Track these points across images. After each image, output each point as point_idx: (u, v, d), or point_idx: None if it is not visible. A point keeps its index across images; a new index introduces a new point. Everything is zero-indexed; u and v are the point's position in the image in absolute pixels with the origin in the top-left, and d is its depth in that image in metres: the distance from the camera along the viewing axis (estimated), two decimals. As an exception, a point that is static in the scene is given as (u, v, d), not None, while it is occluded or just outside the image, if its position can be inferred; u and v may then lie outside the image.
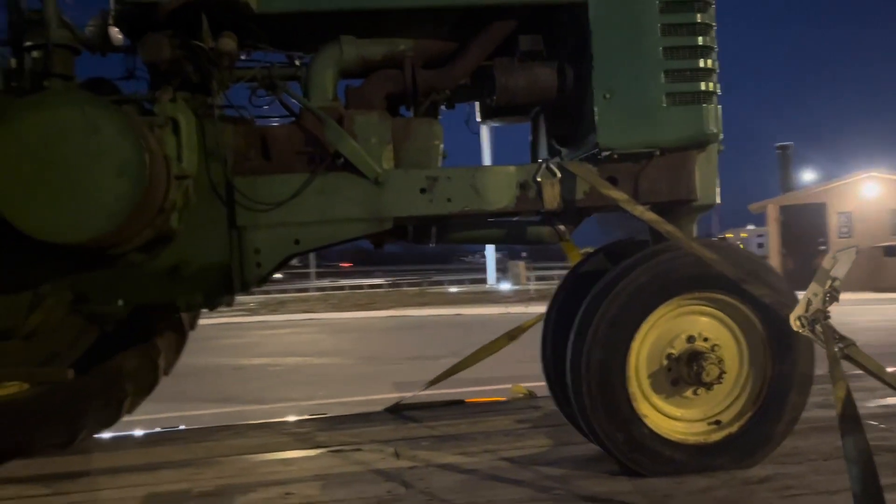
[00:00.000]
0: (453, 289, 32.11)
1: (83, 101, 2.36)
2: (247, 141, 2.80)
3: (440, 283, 38.44)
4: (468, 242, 3.20)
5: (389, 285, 36.96)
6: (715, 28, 2.95)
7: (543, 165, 2.90)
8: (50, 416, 3.69)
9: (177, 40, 2.65)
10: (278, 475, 3.25)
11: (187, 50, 2.67)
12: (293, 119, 2.91)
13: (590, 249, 3.52)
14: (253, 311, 23.43)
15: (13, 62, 2.89)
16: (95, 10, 3.07)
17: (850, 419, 2.01)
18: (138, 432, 4.39)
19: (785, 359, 2.86)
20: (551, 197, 2.88)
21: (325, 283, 40.04)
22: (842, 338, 2.25)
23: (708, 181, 3.05)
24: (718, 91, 2.94)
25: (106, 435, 4.14)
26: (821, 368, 2.79)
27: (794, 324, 2.31)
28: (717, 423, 2.99)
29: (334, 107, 2.85)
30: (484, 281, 35.33)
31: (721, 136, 2.98)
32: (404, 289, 34.57)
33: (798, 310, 2.30)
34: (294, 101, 2.91)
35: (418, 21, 2.93)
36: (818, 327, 2.24)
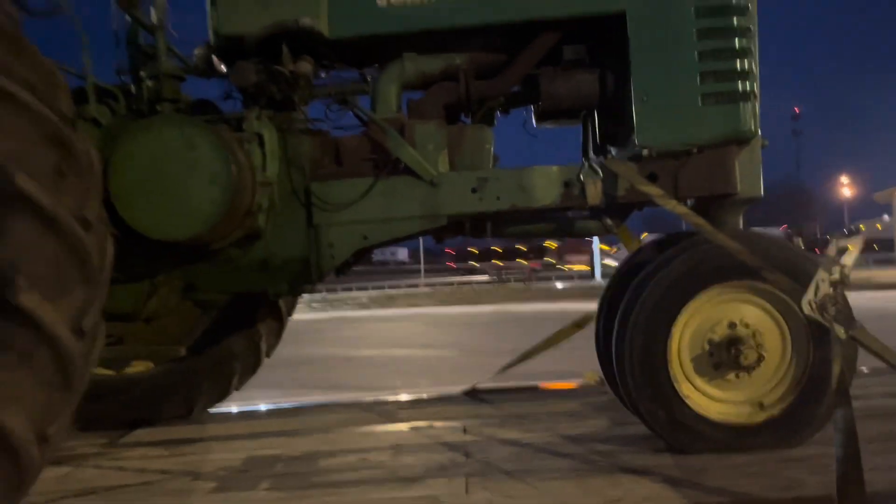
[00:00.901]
0: (560, 284, 32.06)
1: (182, 123, 2.87)
2: (322, 150, 3.22)
3: (548, 278, 38.42)
4: (520, 236, 3.49)
5: (496, 281, 37.36)
6: (754, 31, 3.08)
7: (586, 164, 3.14)
8: (170, 392, 4.28)
9: (262, 66, 3.10)
10: (357, 444, 3.66)
11: (271, 74, 3.11)
12: (362, 129, 3.31)
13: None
14: (364, 306, 24.38)
15: (133, 88, 3.45)
16: (200, 39, 3.60)
17: (842, 393, 2.16)
18: (243, 407, 4.97)
19: (826, 344, 2.96)
20: (594, 193, 3.12)
21: (434, 279, 40.95)
22: (850, 321, 2.38)
23: (751, 175, 3.18)
24: (756, 91, 3.07)
25: (219, 408, 4.73)
26: (870, 359, 2.88)
27: (805, 307, 2.46)
28: (760, 405, 3.12)
29: (397, 118, 3.22)
30: (591, 276, 35.03)
31: (759, 133, 3.11)
32: (510, 284, 34.86)
33: (808, 294, 2.44)
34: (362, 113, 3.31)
35: (472, 37, 3.25)
36: (828, 311, 2.38)
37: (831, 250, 2.41)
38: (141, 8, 3.38)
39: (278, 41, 3.09)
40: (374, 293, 31.07)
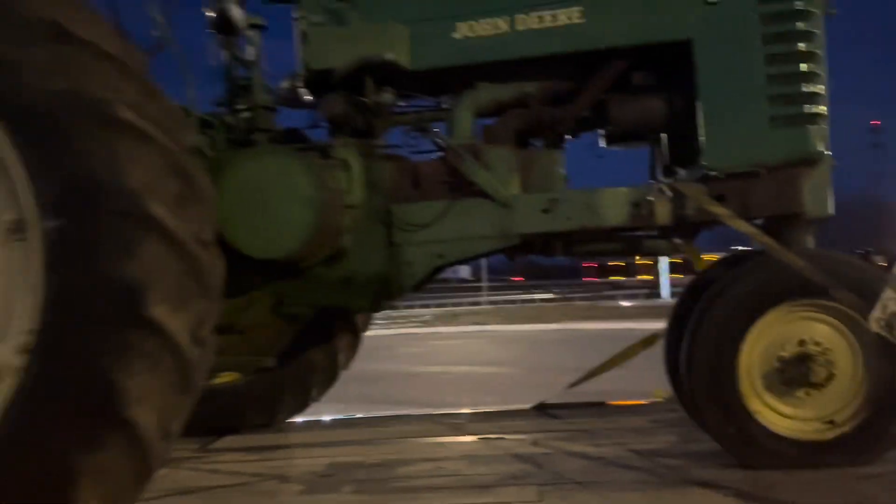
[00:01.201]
0: (626, 303, 31.66)
1: (280, 153, 3.15)
2: (401, 175, 3.44)
3: (613, 297, 37.97)
4: (590, 255, 3.62)
5: (560, 299, 37.13)
6: (821, 55, 3.16)
7: (655, 185, 3.27)
8: (254, 401, 4.57)
9: (348, 98, 3.36)
10: (432, 454, 3.84)
11: (355, 105, 3.36)
12: (439, 154, 3.52)
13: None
14: (428, 323, 24.59)
15: (229, 119, 3.76)
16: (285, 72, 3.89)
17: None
18: (323, 417, 5.22)
19: (896, 361, 2.99)
20: (662, 214, 3.23)
21: (497, 296, 40.96)
22: (919, 338, 2.42)
23: (819, 194, 3.24)
24: (824, 112, 3.14)
25: (297, 418, 4.99)
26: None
27: (872, 325, 2.51)
28: (831, 422, 3.15)
29: (471, 143, 3.42)
30: (659, 296, 34.47)
31: (828, 153, 3.18)
32: (575, 303, 34.59)
33: (875, 312, 2.50)
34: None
35: (542, 66, 3.43)
36: (895, 328, 2.43)
37: (897, 270, 2.47)
38: (238, 44, 3.69)
39: (362, 74, 3.33)
40: (436, 310, 31.31)
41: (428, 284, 3.82)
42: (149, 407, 2.10)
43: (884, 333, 2.51)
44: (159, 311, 2.07)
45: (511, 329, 21.44)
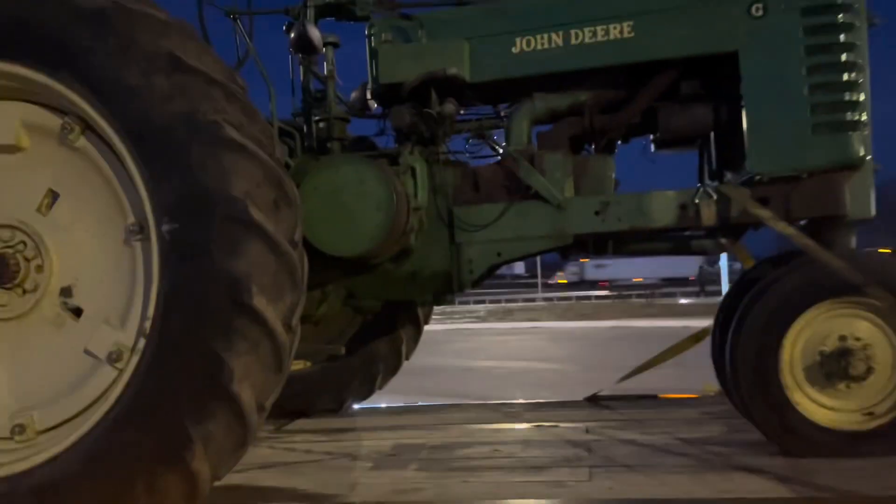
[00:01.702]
0: (684, 300, 31.31)
1: (355, 161, 3.48)
2: (462, 179, 3.73)
3: (672, 294, 37.55)
4: (640, 254, 3.85)
5: (616, 296, 36.91)
6: (863, 63, 3.31)
7: (701, 188, 3.47)
8: (324, 387, 4.92)
9: (414, 109, 3.66)
10: (489, 438, 4.11)
11: (421, 115, 3.66)
12: (497, 160, 3.79)
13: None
14: (482, 319, 24.82)
15: (305, 129, 4.11)
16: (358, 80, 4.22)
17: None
18: (387, 404, 5.55)
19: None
20: (708, 215, 3.44)
21: (552, 293, 40.94)
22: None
23: (861, 197, 3.39)
24: (865, 119, 3.30)
25: (363, 405, 5.33)
26: None
27: (906, 325, 2.68)
28: (871, 413, 3.30)
29: (528, 149, 3.68)
30: (719, 293, 33.93)
31: (870, 157, 3.33)
32: (631, 300, 34.35)
33: (908, 311, 2.66)
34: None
35: (595, 76, 3.66)
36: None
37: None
38: (315, 61, 4.04)
39: (427, 87, 3.62)
40: (491, 306, 31.51)
41: (486, 279, 4.10)
42: (248, 384, 2.45)
43: (916, 331, 2.66)
44: (259, 302, 2.41)
45: (565, 326, 21.51)
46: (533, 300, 38.49)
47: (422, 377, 10.46)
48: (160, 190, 2.47)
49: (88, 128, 2.66)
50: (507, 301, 37.29)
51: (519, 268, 58.94)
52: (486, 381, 10.74)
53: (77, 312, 2.73)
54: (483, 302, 37.33)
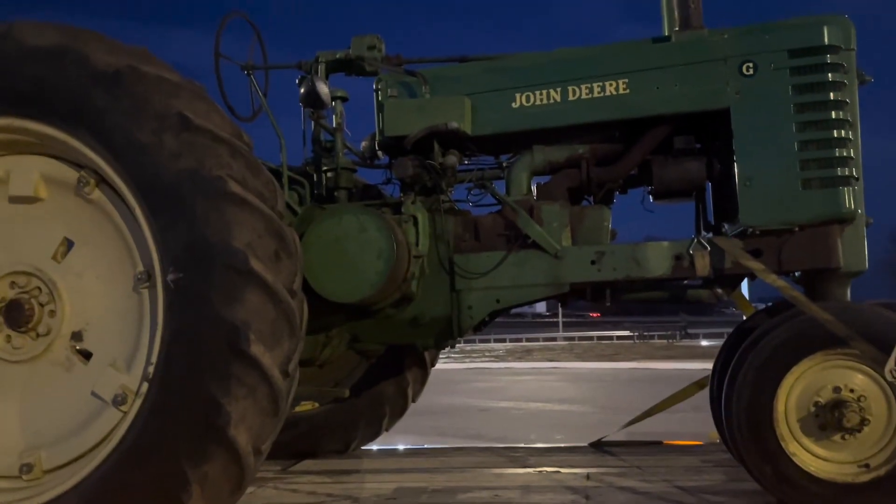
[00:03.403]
0: (705, 342, 30.94)
1: (357, 210, 3.61)
2: (463, 227, 3.84)
3: (694, 335, 37.12)
4: (637, 302, 3.91)
5: (637, 337, 36.57)
6: (854, 121, 3.39)
7: (695, 240, 3.55)
8: (331, 429, 4.99)
9: (417, 160, 3.80)
10: (490, 483, 4.15)
11: (424, 166, 3.80)
12: (497, 209, 3.90)
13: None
14: (500, 358, 24.73)
15: (315, 178, 4.27)
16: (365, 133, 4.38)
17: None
18: (394, 446, 5.61)
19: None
20: (702, 266, 3.50)
21: (573, 332, 40.67)
22: (930, 389, 2.61)
23: (855, 250, 3.45)
24: (857, 174, 3.37)
25: (370, 446, 5.40)
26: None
27: (888, 375, 2.72)
28: (867, 465, 3.30)
29: (527, 199, 3.79)
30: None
31: (861, 211, 3.40)
32: (653, 341, 34.01)
33: (889, 364, 2.70)
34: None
35: (593, 130, 3.78)
36: (909, 379, 2.63)
37: (908, 324, 2.67)
38: (325, 113, 4.22)
39: (430, 140, 3.77)
40: (511, 345, 31.37)
41: (487, 325, 4.19)
42: (245, 428, 2.55)
43: (897, 384, 2.70)
44: (257, 349, 2.53)
45: (585, 367, 21.36)
46: (554, 339, 38.28)
47: (438, 417, 10.50)
48: (167, 240, 2.62)
49: (103, 181, 2.83)
50: (528, 340, 37.13)
51: (540, 306, 58.70)
52: (502, 423, 10.72)
53: (86, 356, 2.87)
54: (503, 341, 37.20)
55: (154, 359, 2.62)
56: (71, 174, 2.89)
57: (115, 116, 2.68)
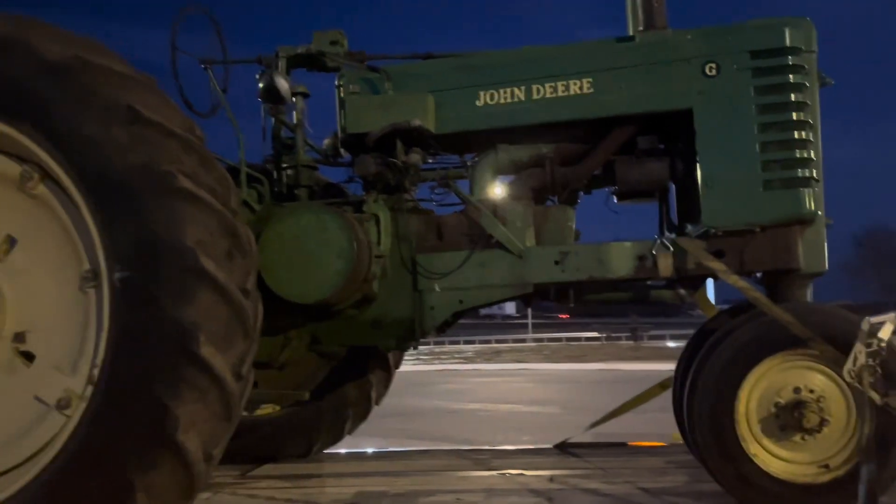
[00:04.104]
0: (672, 343, 31.26)
1: (317, 209, 3.53)
2: (426, 227, 3.78)
3: (661, 337, 37.50)
4: (601, 302, 3.89)
5: (605, 338, 36.86)
6: (815, 123, 3.41)
7: (658, 240, 3.54)
8: (292, 433, 4.89)
9: (379, 158, 3.73)
10: (453, 486, 4.09)
11: (387, 164, 3.73)
12: (461, 209, 3.85)
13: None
14: (469, 360, 24.71)
15: (275, 175, 4.17)
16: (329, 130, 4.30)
17: (868, 451, 2.43)
18: (357, 449, 5.53)
19: (888, 410, 3.15)
20: (665, 267, 3.49)
21: (542, 333, 40.86)
22: (888, 389, 2.62)
23: (815, 251, 3.47)
24: (816, 176, 3.39)
25: (333, 450, 5.30)
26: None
27: (846, 376, 2.73)
28: (826, 466, 3.31)
29: (491, 199, 3.75)
30: (707, 336, 33.84)
31: (821, 213, 3.42)
32: (620, 342, 34.30)
33: (847, 364, 2.71)
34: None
35: (557, 130, 3.75)
36: (864, 379, 2.64)
37: (865, 325, 2.69)
38: (285, 109, 4.13)
39: (393, 137, 3.70)
40: (480, 347, 31.38)
41: (451, 326, 4.13)
42: (195, 433, 2.46)
43: (855, 385, 2.71)
44: (208, 350, 2.44)
45: (553, 368, 21.44)
46: (523, 340, 38.40)
47: (405, 419, 10.40)
48: (114, 238, 2.52)
49: (47, 176, 2.72)
50: (497, 342, 37.19)
51: (510, 308, 58.92)
52: (468, 425, 10.67)
53: (29, 358, 2.75)
54: (473, 342, 37.21)
55: (100, 361, 2.51)
56: (13, 168, 2.77)
57: (60, 108, 2.57)
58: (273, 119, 4.18)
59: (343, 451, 5.37)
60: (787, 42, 3.40)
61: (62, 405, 2.63)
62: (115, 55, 2.78)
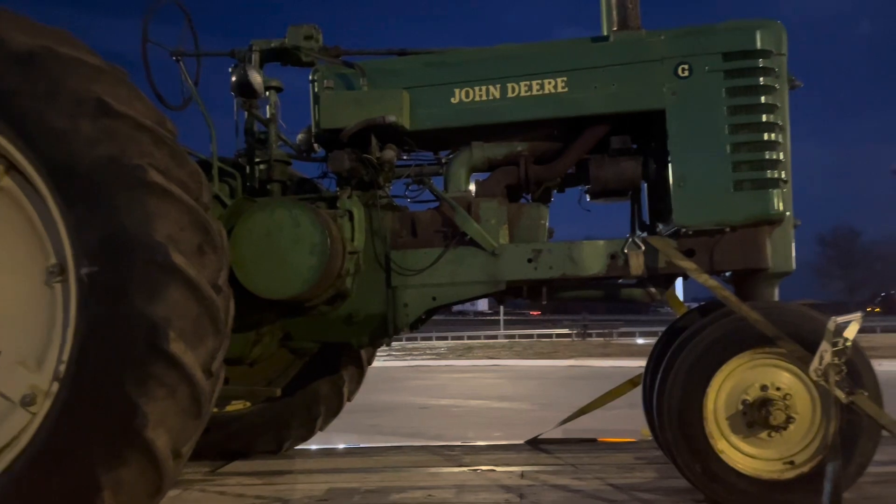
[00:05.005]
0: (641, 340, 31.62)
1: (290, 204, 3.50)
2: (400, 223, 3.77)
3: (631, 334, 37.92)
4: (573, 300, 3.92)
5: (576, 334, 37.15)
6: (784, 124, 3.47)
7: (630, 239, 3.57)
8: (263, 429, 4.85)
9: (354, 154, 3.71)
10: (425, 483, 4.09)
11: (361, 160, 3.71)
12: (435, 205, 3.85)
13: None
14: (442, 356, 24.73)
15: (248, 169, 4.13)
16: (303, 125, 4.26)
17: (834, 448, 2.48)
18: (327, 446, 5.50)
19: (852, 408, 3.22)
20: (636, 265, 3.53)
21: (514, 330, 41.06)
22: (852, 388, 2.69)
23: (783, 251, 3.53)
24: (785, 177, 3.45)
25: (304, 446, 5.28)
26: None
27: (812, 375, 2.79)
28: (791, 463, 3.38)
29: (465, 196, 3.75)
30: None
31: (790, 213, 3.48)
32: (591, 339, 34.60)
33: (813, 363, 2.77)
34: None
35: (531, 128, 3.76)
36: (830, 378, 2.70)
37: (831, 325, 2.74)
38: (258, 104, 4.08)
39: (368, 133, 3.68)
40: (452, 343, 31.42)
41: (424, 323, 4.13)
42: (164, 430, 2.43)
43: (822, 383, 2.77)
44: (178, 347, 2.41)
45: (524, 364, 21.56)
46: (495, 337, 38.53)
47: (377, 415, 10.40)
48: (81, 232, 2.47)
49: (13, 168, 2.66)
50: (469, 338, 37.27)
51: (482, 305, 59.10)
52: (441, 420, 10.70)
53: (-6, 353, 2.69)
54: (445, 338, 37.27)
55: (66, 357, 2.47)
56: (-23, 159, 2.70)
57: (27, 100, 2.51)
58: (246, 113, 4.14)
59: (314, 447, 5.35)
60: (759, 45, 3.45)
61: (27, 402, 2.57)
62: (84, 46, 2.72)
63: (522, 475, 4.17)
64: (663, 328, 4.40)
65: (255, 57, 4.02)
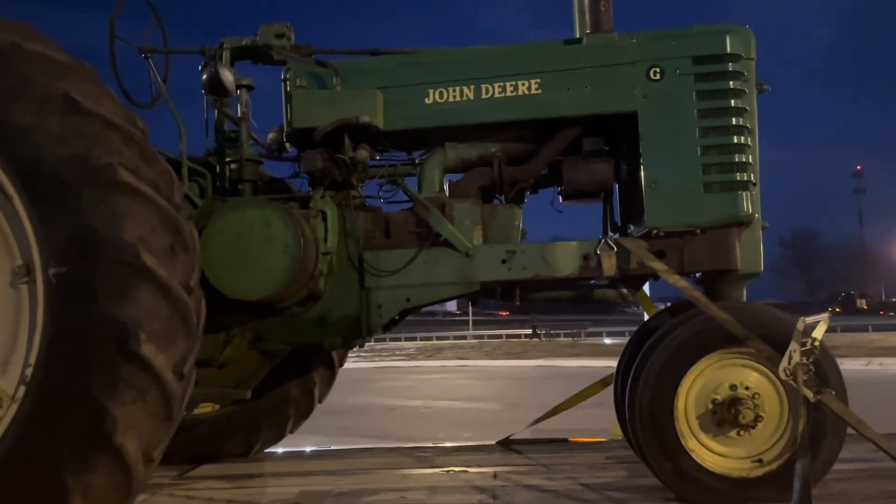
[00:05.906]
0: (609, 340, 31.94)
1: (262, 204, 3.46)
2: (374, 224, 3.75)
3: (598, 334, 38.31)
4: (546, 301, 3.94)
5: (544, 335, 37.39)
6: (752, 128, 3.53)
7: (602, 240, 3.61)
8: (232, 432, 4.79)
9: (326, 154, 3.67)
10: (397, 484, 4.08)
11: (334, 160, 3.68)
12: (409, 206, 3.84)
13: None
14: (411, 357, 24.68)
15: (218, 169, 4.07)
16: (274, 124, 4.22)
17: (802, 447, 2.54)
18: (297, 448, 5.45)
19: (819, 406, 3.30)
20: (609, 266, 3.56)
21: (482, 330, 41.17)
22: (820, 387, 2.75)
23: (751, 253, 3.59)
24: (754, 179, 3.51)
25: (274, 449, 5.22)
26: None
27: (781, 374, 2.84)
28: (760, 461, 3.44)
29: (439, 197, 3.75)
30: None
31: (758, 215, 3.54)
32: (559, 339, 34.84)
33: (783, 363, 2.83)
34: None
35: (505, 129, 3.77)
36: (799, 377, 2.76)
37: (800, 325, 2.80)
38: (229, 102, 4.03)
39: (341, 133, 3.66)
40: (421, 343, 31.37)
41: (397, 324, 4.11)
42: (134, 434, 2.38)
43: (790, 382, 2.82)
44: (148, 349, 2.36)
45: (493, 364, 21.62)
46: (464, 337, 38.61)
47: (346, 417, 10.34)
48: (49, 233, 2.41)
49: (-24, 166, 2.58)
50: (438, 339, 37.28)
51: (451, 305, 59.14)
52: (410, 422, 10.68)
53: (-45, 357, 2.61)
54: (414, 339, 37.25)
55: (33, 360, 2.40)
56: (-61, 158, 2.61)
57: None
58: (216, 112, 4.08)
59: (284, 450, 5.30)
60: (728, 49, 3.51)
61: (-9, 406, 2.50)
62: (51, 42, 2.66)
63: (495, 476, 4.18)
64: (631, 328, 4.45)
65: (226, 55, 3.98)
